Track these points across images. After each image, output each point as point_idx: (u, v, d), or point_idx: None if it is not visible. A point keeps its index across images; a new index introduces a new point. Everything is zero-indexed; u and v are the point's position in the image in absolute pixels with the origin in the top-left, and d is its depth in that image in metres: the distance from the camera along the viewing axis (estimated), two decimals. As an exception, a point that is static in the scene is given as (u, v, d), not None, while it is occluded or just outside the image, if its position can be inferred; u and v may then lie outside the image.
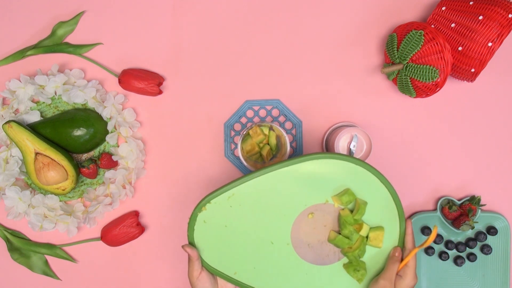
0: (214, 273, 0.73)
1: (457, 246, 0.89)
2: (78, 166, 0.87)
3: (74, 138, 0.85)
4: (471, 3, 0.79)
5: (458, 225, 0.86)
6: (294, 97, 0.90)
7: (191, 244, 0.72)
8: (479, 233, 0.88)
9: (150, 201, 0.90)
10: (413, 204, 0.90)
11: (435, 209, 0.90)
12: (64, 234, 0.91)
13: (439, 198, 0.90)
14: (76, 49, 0.89)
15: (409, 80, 0.81)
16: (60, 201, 0.89)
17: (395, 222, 0.73)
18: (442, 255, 0.88)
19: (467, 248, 0.89)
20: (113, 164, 0.88)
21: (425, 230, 0.88)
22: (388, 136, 0.90)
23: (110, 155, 0.88)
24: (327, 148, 0.89)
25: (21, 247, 0.89)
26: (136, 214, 0.89)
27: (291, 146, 0.90)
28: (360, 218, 0.72)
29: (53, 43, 0.89)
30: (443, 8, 0.82)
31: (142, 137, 0.90)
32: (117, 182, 0.87)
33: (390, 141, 0.90)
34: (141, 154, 0.88)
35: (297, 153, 0.90)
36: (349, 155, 0.72)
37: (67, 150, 0.87)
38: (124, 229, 0.87)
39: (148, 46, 0.90)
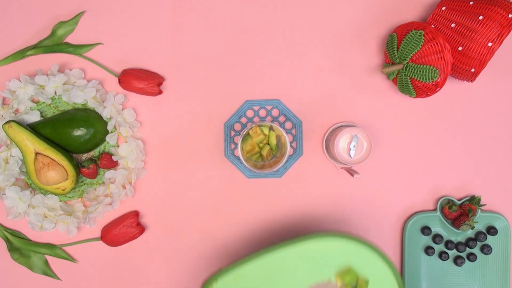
0: None
1: (457, 246, 0.89)
2: (78, 166, 0.87)
3: (74, 138, 0.85)
4: (471, 3, 0.79)
5: (458, 225, 0.86)
6: (294, 97, 0.90)
7: None
8: (479, 233, 0.88)
9: (150, 201, 0.90)
10: (413, 204, 0.90)
11: (435, 209, 0.90)
12: (64, 234, 0.91)
13: (439, 198, 0.90)
14: (76, 49, 0.89)
15: (409, 80, 0.81)
16: (60, 201, 0.89)
17: None
18: (442, 255, 0.88)
19: (467, 248, 0.89)
20: (113, 164, 0.88)
21: (425, 230, 0.88)
22: (388, 136, 0.90)
23: (110, 155, 0.88)
24: (327, 148, 0.89)
25: (21, 247, 0.89)
26: (136, 214, 0.89)
27: (291, 146, 0.90)
28: None
29: (53, 43, 0.89)
30: (443, 8, 0.82)
31: (142, 137, 0.90)
32: (117, 182, 0.87)
33: (390, 141, 0.90)
34: (141, 154, 0.88)
35: (297, 153, 0.90)
36: (351, 234, 0.73)
37: (67, 150, 0.87)
38: (124, 229, 0.87)
39: (148, 46, 0.90)
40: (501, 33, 0.77)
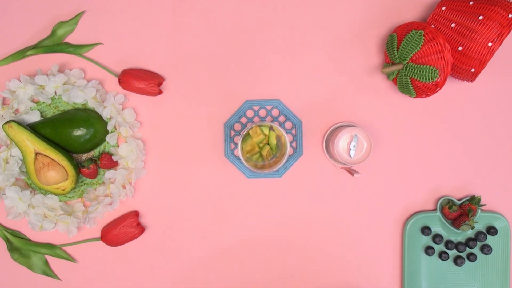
0: None
1: (457, 246, 0.89)
2: (78, 166, 0.87)
3: (74, 138, 0.85)
4: (471, 3, 0.79)
5: (458, 225, 0.86)
6: (294, 97, 0.90)
7: None
8: (479, 233, 0.88)
9: (150, 201, 0.90)
10: (413, 204, 0.90)
11: (435, 209, 0.90)
12: (64, 234, 0.91)
13: (439, 198, 0.90)
14: (76, 49, 0.89)
15: (409, 80, 0.81)
16: (60, 201, 0.89)
17: None
18: (442, 255, 0.88)
19: (467, 248, 0.89)
20: (113, 164, 0.88)
21: (425, 230, 0.88)
22: (388, 136, 0.90)
23: (110, 155, 0.88)
24: (327, 148, 0.89)
25: (21, 247, 0.89)
26: (136, 214, 0.89)
27: (291, 146, 0.90)
28: None
29: (53, 43, 0.89)
30: (443, 8, 0.82)
31: (142, 137, 0.90)
32: (117, 182, 0.87)
33: (390, 141, 0.90)
34: (141, 154, 0.88)
35: (297, 153, 0.90)
36: None
37: (67, 150, 0.87)
38: (124, 229, 0.87)
39: (148, 46, 0.90)
40: (501, 33, 0.77)
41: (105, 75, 0.90)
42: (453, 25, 0.80)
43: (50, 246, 0.89)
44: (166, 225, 0.90)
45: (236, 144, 0.90)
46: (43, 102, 0.89)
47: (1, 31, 0.90)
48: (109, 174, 0.86)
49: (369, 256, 0.90)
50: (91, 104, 0.87)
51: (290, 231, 0.90)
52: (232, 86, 0.90)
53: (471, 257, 0.88)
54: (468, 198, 0.89)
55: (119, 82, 0.87)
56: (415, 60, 0.79)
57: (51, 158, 0.83)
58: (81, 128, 0.85)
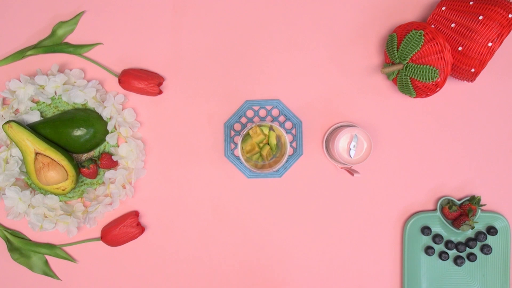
0: None
1: (457, 246, 0.89)
2: (78, 166, 0.87)
3: (74, 138, 0.85)
4: (471, 3, 0.79)
5: (458, 225, 0.86)
6: (294, 97, 0.90)
7: None
8: (479, 233, 0.88)
9: (150, 201, 0.90)
10: (413, 204, 0.90)
11: (435, 209, 0.90)
12: (64, 234, 0.91)
13: (439, 198, 0.90)
14: (76, 49, 0.89)
15: (409, 80, 0.81)
16: (60, 201, 0.89)
17: None
18: (442, 255, 0.88)
19: (467, 248, 0.89)
20: (113, 164, 0.88)
21: (425, 230, 0.88)
22: (388, 136, 0.90)
23: (110, 155, 0.88)
24: (327, 148, 0.89)
25: (21, 247, 0.89)
26: (136, 214, 0.89)
27: (291, 146, 0.90)
28: None
29: (53, 43, 0.89)
30: (443, 8, 0.82)
31: (142, 137, 0.90)
32: (117, 182, 0.87)
33: (390, 141, 0.90)
34: (141, 154, 0.88)
35: (297, 153, 0.90)
36: None
37: (67, 150, 0.87)
38: (124, 229, 0.87)
39: (148, 46, 0.90)
40: (501, 33, 0.77)
41: (105, 75, 0.90)
42: (453, 25, 0.80)
43: (50, 246, 0.89)
44: (166, 225, 0.90)
45: (236, 144, 0.90)
46: (43, 102, 0.89)
47: (1, 31, 0.90)
48: (109, 174, 0.86)
49: (369, 256, 0.90)
50: (91, 104, 0.87)
51: (290, 231, 0.90)
52: (232, 86, 0.90)
53: (471, 257, 0.88)
54: (468, 198, 0.89)
55: (119, 82, 0.87)
56: (415, 60, 0.79)
57: (51, 158, 0.83)
58: (81, 128, 0.85)
